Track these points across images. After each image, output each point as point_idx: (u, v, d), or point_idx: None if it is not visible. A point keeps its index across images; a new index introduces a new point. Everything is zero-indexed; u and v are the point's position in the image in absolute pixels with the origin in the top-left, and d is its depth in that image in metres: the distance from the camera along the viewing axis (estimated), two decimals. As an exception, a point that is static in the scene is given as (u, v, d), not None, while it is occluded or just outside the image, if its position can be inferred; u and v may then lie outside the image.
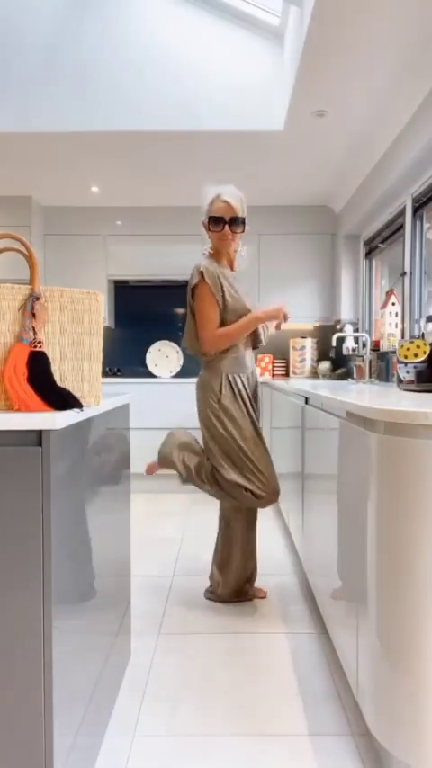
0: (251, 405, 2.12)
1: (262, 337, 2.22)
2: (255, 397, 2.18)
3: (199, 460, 2.19)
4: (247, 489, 2.02)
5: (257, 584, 2.31)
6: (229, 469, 2.04)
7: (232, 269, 2.16)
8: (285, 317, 2.10)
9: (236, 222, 2.02)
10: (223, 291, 2.05)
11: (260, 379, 4.32)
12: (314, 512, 2.01)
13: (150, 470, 2.40)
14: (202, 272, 2.01)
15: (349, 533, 1.43)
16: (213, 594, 2.22)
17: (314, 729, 1.45)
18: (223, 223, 2.01)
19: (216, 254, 2.12)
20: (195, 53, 3.20)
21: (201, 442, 2.21)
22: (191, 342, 2.14)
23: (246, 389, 2.12)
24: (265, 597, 2.26)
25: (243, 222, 2.03)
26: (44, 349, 1.08)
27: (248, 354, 2.17)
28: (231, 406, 2.06)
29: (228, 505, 2.21)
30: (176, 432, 2.37)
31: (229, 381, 2.08)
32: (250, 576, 2.23)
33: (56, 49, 3.19)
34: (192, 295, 2.06)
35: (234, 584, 2.20)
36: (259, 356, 4.56)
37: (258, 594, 2.26)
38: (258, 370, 2.33)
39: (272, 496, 2.06)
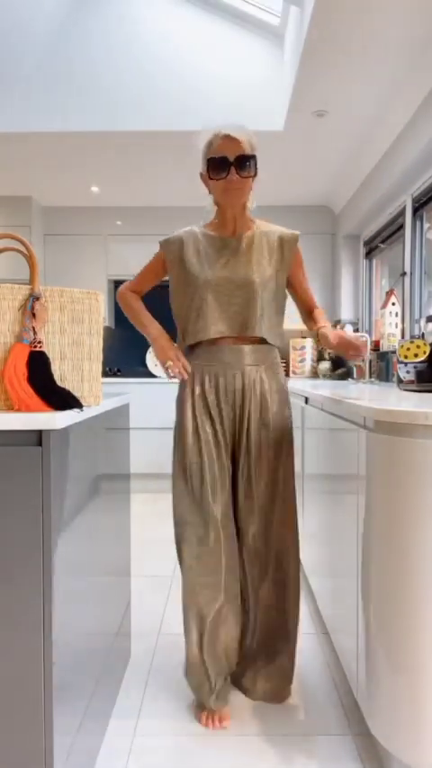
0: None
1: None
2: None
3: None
4: None
5: None
6: None
7: (234, 233, 1.55)
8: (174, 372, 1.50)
9: (245, 162, 1.43)
10: (183, 257, 1.55)
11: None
12: (314, 512, 2.01)
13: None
14: (161, 241, 1.60)
15: (349, 533, 1.43)
16: None
17: (314, 729, 1.45)
18: (228, 165, 1.43)
19: (220, 217, 1.56)
20: (196, 53, 3.20)
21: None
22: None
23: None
24: None
25: (254, 163, 1.46)
26: (44, 349, 1.08)
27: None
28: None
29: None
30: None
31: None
32: None
33: (56, 50, 3.19)
34: None
35: None
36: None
37: None
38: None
39: None
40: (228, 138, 1.45)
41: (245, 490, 1.52)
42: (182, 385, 1.57)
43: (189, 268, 1.52)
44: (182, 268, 1.55)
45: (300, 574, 1.57)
